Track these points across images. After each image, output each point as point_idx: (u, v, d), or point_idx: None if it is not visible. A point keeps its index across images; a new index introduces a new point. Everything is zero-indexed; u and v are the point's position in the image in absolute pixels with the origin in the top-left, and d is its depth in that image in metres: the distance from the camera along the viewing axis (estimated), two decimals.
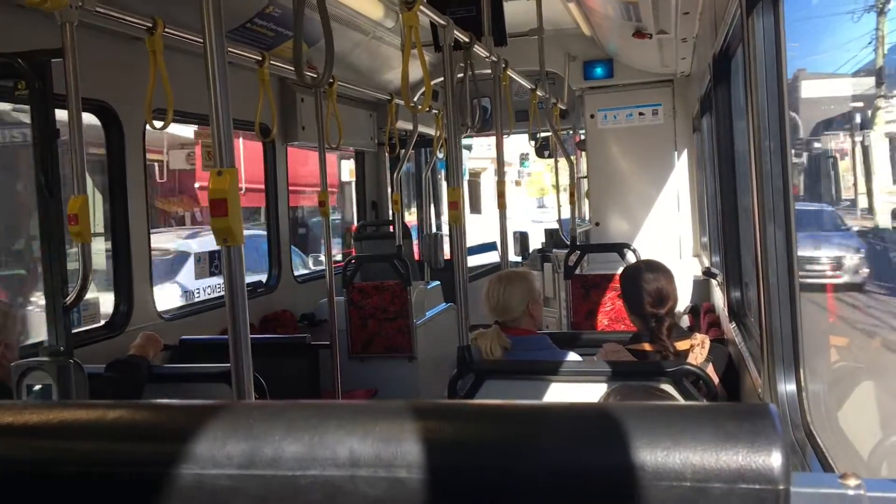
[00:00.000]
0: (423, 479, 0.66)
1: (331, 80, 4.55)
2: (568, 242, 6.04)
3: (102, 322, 4.18)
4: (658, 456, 0.64)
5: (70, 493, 0.74)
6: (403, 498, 0.67)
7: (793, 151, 2.17)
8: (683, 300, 5.41)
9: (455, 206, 3.22)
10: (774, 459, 0.63)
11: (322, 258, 5.87)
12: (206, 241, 8.79)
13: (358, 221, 7.69)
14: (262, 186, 5.85)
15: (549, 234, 8.72)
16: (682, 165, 6.81)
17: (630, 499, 0.65)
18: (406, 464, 0.67)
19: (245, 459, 0.69)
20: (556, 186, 7.85)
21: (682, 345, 3.13)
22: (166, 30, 2.95)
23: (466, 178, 23.20)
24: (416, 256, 7.32)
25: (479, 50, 3.82)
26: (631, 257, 5.45)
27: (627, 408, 0.72)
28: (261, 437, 0.70)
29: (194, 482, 0.70)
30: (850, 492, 0.66)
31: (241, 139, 8.80)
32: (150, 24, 2.90)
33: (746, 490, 0.62)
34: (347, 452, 0.68)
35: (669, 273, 3.26)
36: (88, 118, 3.48)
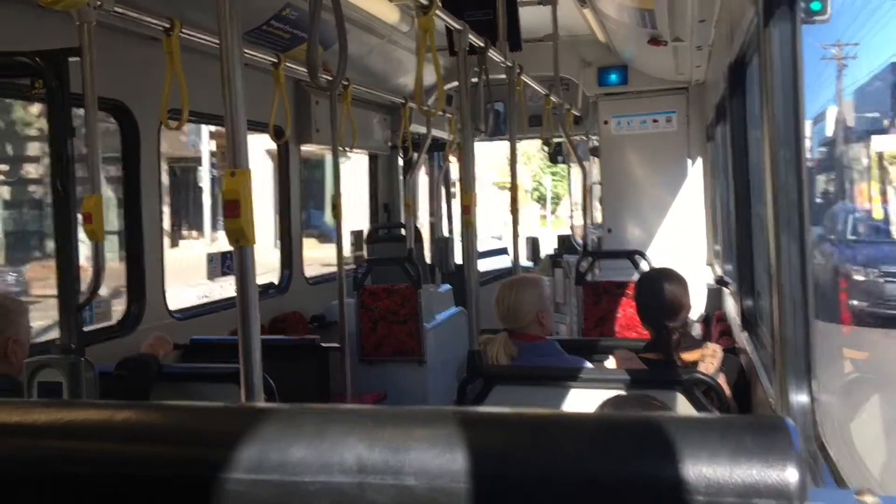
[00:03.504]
0: (432, 486, 0.66)
1: (345, 83, 4.56)
2: (580, 248, 6.02)
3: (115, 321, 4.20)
4: (671, 468, 0.63)
5: (77, 493, 0.74)
6: None
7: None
8: (696, 308, 5.38)
9: (467, 210, 3.21)
10: (790, 474, 0.62)
11: None
12: None
13: (370, 224, 7.70)
14: None
15: (561, 240, 8.70)
16: (695, 173, 6.78)
17: None
18: (414, 471, 0.66)
19: (252, 464, 0.69)
20: (569, 192, 7.84)
21: (691, 356, 3.10)
22: (183, 31, 2.97)
23: None
24: None
25: (493, 55, 3.81)
26: (643, 265, 5.42)
27: (641, 419, 0.71)
28: (269, 442, 0.70)
29: (201, 485, 0.70)
30: None
31: None
32: (168, 25, 2.91)
33: None
34: (355, 459, 0.68)
35: (684, 283, 3.23)
36: None
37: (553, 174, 36.85)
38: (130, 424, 0.76)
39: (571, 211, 7.12)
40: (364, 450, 0.68)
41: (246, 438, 0.70)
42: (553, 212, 38.00)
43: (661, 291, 3.15)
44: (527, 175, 36.10)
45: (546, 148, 8.00)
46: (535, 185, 36.88)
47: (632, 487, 0.64)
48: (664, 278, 3.24)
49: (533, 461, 0.68)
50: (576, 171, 8.74)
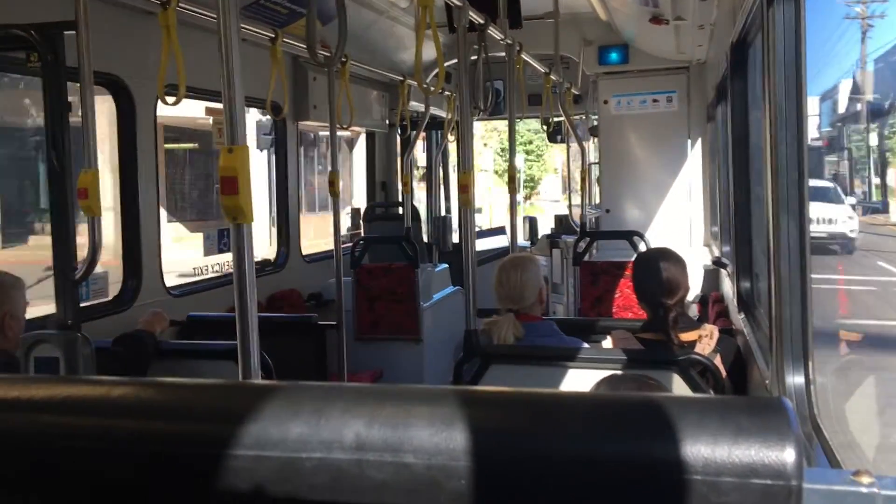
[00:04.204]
0: (430, 464, 0.66)
1: (343, 60, 4.53)
2: (578, 229, 6.02)
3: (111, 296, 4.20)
4: (670, 448, 0.63)
5: (73, 468, 0.74)
6: (410, 483, 0.66)
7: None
8: (693, 289, 5.39)
9: (465, 189, 3.20)
10: (787, 455, 0.62)
11: None
12: None
13: (367, 202, 7.68)
14: None
15: (559, 220, 8.70)
16: (694, 154, 6.76)
17: (640, 490, 0.64)
18: (413, 449, 0.66)
19: (250, 440, 0.69)
20: (567, 171, 7.83)
21: (688, 336, 3.11)
22: (180, 5, 2.93)
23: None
24: None
25: (493, 32, 3.78)
26: (641, 246, 5.42)
27: (640, 399, 0.71)
28: (266, 419, 0.70)
29: (200, 461, 0.70)
30: (864, 489, 0.65)
31: None
32: None
33: (758, 485, 0.61)
34: (353, 436, 0.67)
35: (682, 263, 3.23)
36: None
37: (527, 153, 31.85)
38: (127, 400, 0.76)
39: (569, 190, 7.10)
40: (363, 427, 0.67)
41: (245, 415, 0.70)
42: (528, 197, 31.84)
43: (658, 270, 3.15)
44: (488, 155, 30.22)
45: (545, 127, 7.97)
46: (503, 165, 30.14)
47: (630, 467, 0.64)
48: (662, 257, 3.23)
49: (532, 440, 0.68)
50: (571, 149, 8.72)
